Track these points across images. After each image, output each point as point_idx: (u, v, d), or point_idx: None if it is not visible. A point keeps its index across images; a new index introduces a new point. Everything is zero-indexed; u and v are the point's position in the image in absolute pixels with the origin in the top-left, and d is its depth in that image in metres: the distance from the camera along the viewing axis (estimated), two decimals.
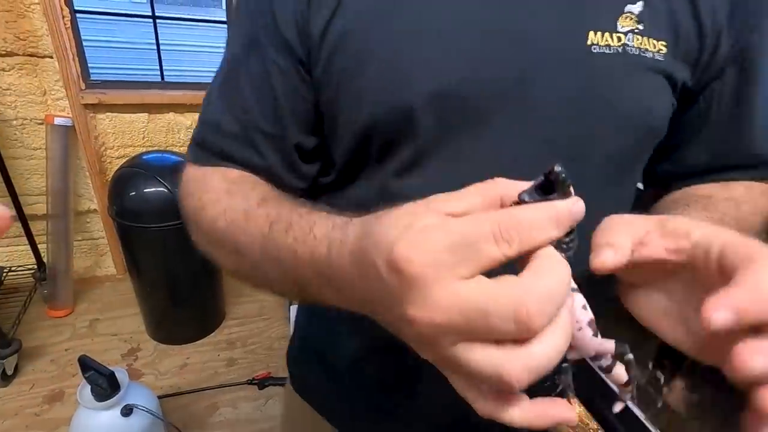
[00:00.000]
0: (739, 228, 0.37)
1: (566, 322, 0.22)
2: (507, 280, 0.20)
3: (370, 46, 0.37)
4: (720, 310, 0.20)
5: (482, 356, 0.20)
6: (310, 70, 0.40)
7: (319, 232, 0.29)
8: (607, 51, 0.37)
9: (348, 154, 0.42)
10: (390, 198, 0.31)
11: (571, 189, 0.22)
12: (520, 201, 0.23)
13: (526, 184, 0.23)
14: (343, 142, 0.42)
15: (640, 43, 0.37)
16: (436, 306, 0.21)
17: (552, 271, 0.21)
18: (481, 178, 0.25)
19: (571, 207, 0.22)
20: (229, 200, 0.38)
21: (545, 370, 0.20)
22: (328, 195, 0.46)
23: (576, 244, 0.23)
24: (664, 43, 0.38)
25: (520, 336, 0.20)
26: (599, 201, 0.29)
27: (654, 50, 0.38)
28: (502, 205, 0.23)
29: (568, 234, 0.23)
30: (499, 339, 0.20)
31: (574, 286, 0.24)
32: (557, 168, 0.22)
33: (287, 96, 0.40)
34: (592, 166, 0.40)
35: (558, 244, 0.22)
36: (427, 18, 0.37)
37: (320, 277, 0.29)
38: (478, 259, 0.21)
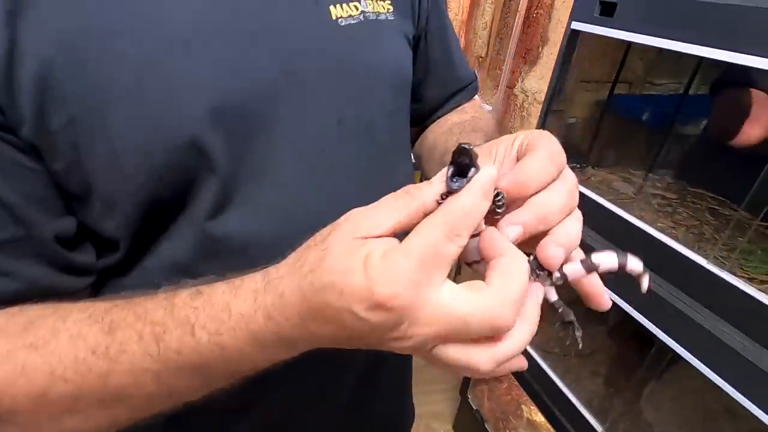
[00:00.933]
0: (490, 133, 0.51)
1: (533, 315, 0.25)
2: (480, 290, 0.23)
3: (98, 81, 0.29)
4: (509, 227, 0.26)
5: (458, 353, 0.24)
6: (16, 134, 0.29)
7: (240, 308, 0.26)
8: (352, 21, 0.41)
9: (134, 221, 0.34)
10: (215, 244, 0.33)
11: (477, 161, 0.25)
12: (449, 192, 0.25)
13: (439, 183, 0.25)
14: (119, 210, 0.33)
15: (373, 8, 0.42)
16: (424, 323, 0.23)
17: (518, 274, 0.24)
18: (301, 182, 0.33)
19: (491, 174, 0.24)
20: (43, 355, 0.26)
21: (510, 358, 0.25)
22: (118, 277, 0.37)
23: (503, 197, 0.26)
24: (389, 2, 0.44)
25: (494, 336, 0.24)
26: (397, 154, 0.45)
27: (384, 11, 0.44)
28: (425, 211, 0.25)
29: (496, 195, 0.26)
30: (474, 339, 0.24)
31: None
32: (465, 146, 0.24)
33: (10, 183, 0.29)
34: (382, 129, 0.44)
35: (492, 209, 0.26)
36: (167, 30, 0.31)
37: (268, 348, 0.26)
38: (443, 263, 0.23)
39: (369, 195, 0.28)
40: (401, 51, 0.47)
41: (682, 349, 0.72)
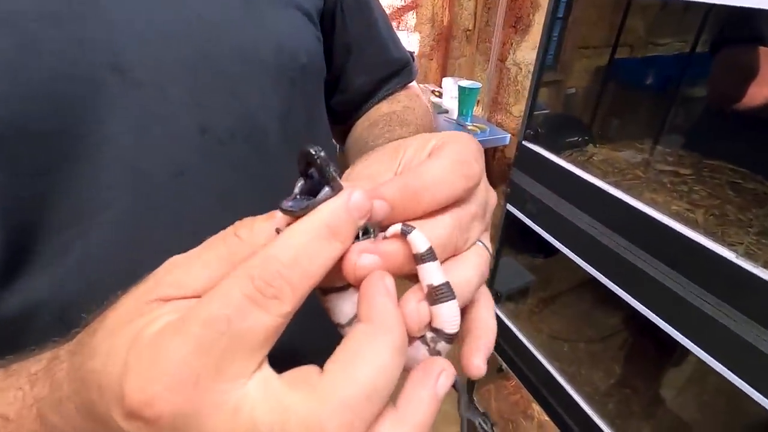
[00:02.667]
0: (426, 129, 0.41)
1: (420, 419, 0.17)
2: (303, 385, 0.15)
3: None
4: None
5: None
6: None
7: (10, 409, 0.20)
8: None
9: None
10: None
11: (335, 174, 0.18)
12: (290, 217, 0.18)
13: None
14: None
15: None
16: None
17: (373, 359, 0.16)
18: (141, 227, 0.25)
19: (346, 202, 0.17)
20: None
21: None
22: None
23: (374, 233, 0.19)
24: None
25: None
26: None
27: None
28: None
29: (365, 233, 0.19)
30: None
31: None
32: (311, 150, 0.17)
33: None
34: (274, 136, 0.35)
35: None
36: None
37: None
38: (245, 343, 0.15)
39: None
40: (294, 28, 0.37)
41: (714, 360, 0.61)
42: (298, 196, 0.18)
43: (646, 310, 0.70)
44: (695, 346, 0.64)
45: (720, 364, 0.60)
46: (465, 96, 1.55)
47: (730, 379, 0.59)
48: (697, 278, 0.63)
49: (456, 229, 0.20)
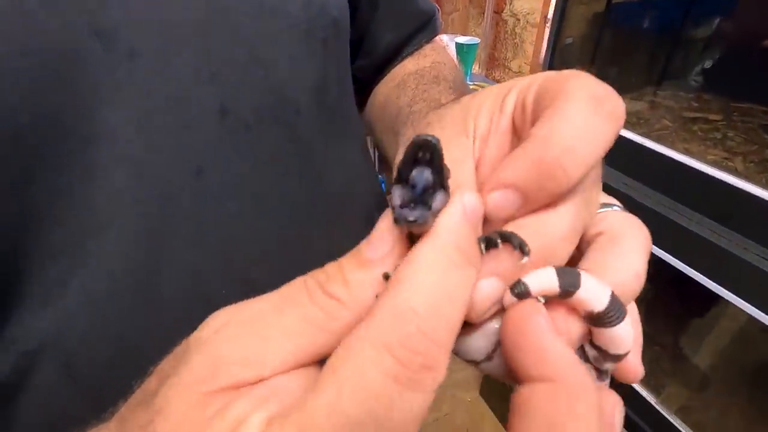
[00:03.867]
0: (458, 85, 0.35)
1: None
2: None
3: None
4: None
5: None
6: None
7: None
8: None
9: None
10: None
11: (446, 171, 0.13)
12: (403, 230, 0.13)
13: (382, 238, 0.14)
14: None
15: None
16: None
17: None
18: (147, 243, 0.20)
19: (464, 211, 0.13)
20: None
21: None
22: None
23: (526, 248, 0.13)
24: None
25: None
26: (336, 159, 0.28)
27: None
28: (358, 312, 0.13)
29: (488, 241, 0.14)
30: None
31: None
32: (430, 139, 0.12)
33: None
34: (307, 115, 0.29)
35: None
36: None
37: None
38: None
39: (288, 247, 0.24)
40: None
41: (761, 312, 0.58)
42: (406, 206, 0.13)
43: (686, 266, 0.66)
44: (738, 299, 0.60)
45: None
46: (463, 53, 1.46)
47: None
48: (744, 229, 0.59)
49: (586, 212, 0.15)
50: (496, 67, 1.65)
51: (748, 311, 0.59)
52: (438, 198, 0.13)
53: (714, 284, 0.63)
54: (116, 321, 0.23)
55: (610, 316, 0.14)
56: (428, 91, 0.35)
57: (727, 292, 0.61)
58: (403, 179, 0.13)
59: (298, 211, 0.29)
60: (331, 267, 0.14)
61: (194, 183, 0.25)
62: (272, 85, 0.27)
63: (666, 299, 0.94)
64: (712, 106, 0.82)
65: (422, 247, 0.12)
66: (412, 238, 0.14)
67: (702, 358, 0.82)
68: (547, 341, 0.12)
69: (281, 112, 0.28)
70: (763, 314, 0.58)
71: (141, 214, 0.23)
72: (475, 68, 1.68)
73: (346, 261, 0.14)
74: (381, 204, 0.39)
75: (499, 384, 1.23)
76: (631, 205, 0.72)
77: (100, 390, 0.23)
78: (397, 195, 0.13)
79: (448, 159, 0.19)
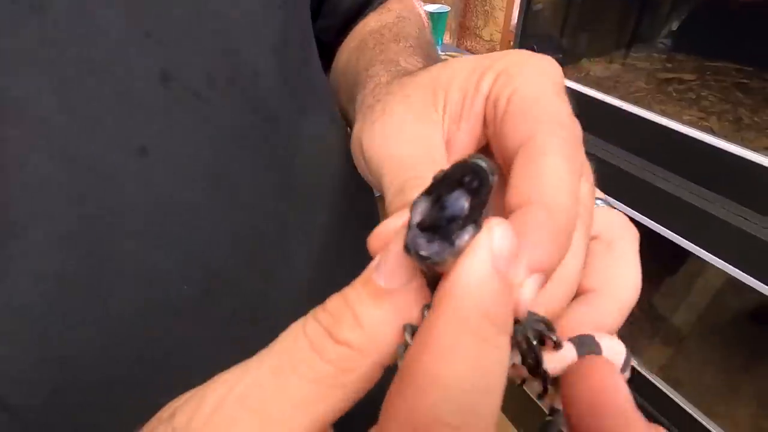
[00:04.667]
0: (422, 43, 0.32)
1: None
2: None
3: None
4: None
5: None
6: None
7: None
8: None
9: None
10: None
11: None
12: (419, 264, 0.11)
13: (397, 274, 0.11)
14: None
15: None
16: None
17: None
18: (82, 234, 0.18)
19: (495, 248, 0.10)
20: None
21: None
22: None
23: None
24: None
25: None
26: (303, 128, 0.26)
27: None
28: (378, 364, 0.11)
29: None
30: None
31: None
32: (482, 163, 0.10)
33: None
34: (268, 80, 0.25)
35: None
36: None
37: None
38: None
39: (259, 236, 0.23)
40: None
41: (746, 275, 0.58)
42: (426, 226, 0.10)
43: (665, 229, 0.66)
44: (714, 257, 0.61)
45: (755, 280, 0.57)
46: (433, 22, 1.42)
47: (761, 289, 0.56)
48: (722, 188, 0.59)
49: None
50: (467, 36, 1.61)
51: (725, 269, 0.59)
52: (466, 236, 0.10)
53: (693, 245, 0.63)
54: (54, 339, 0.19)
55: (624, 365, 0.15)
56: (385, 51, 0.31)
57: (705, 252, 0.62)
58: (434, 194, 0.11)
59: (268, 195, 0.26)
60: (334, 304, 0.11)
61: (138, 165, 0.21)
62: (224, 45, 0.23)
63: (643, 261, 0.95)
64: (685, 66, 0.81)
65: (441, 321, 0.09)
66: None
67: (679, 317, 0.84)
68: (630, 405, 0.11)
69: (237, 76, 0.24)
70: (739, 271, 0.58)
71: (74, 207, 0.19)
72: (446, 38, 1.63)
73: (354, 294, 0.11)
74: (360, 183, 0.35)
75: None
76: (610, 170, 0.71)
77: (45, 424, 0.20)
78: (420, 210, 0.11)
79: (415, 135, 0.16)
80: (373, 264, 0.11)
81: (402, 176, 0.15)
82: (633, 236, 0.17)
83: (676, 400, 0.74)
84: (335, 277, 0.28)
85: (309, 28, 0.31)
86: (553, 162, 0.13)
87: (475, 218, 0.10)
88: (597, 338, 0.14)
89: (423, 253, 0.10)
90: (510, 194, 0.13)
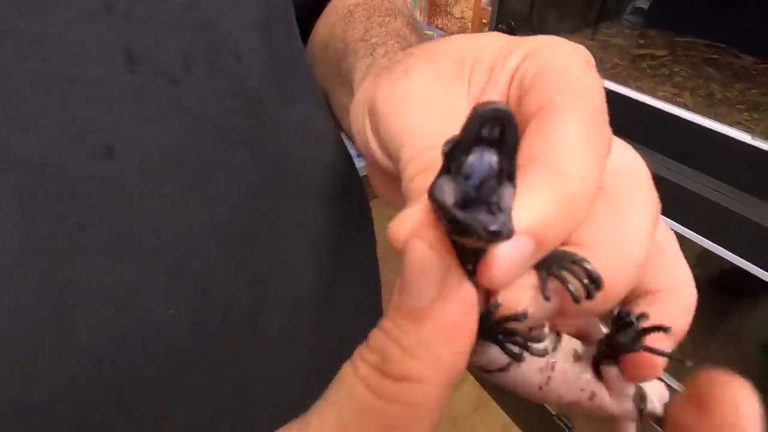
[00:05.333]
0: (416, 24, 0.30)
1: None
2: None
3: None
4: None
5: None
6: None
7: None
8: None
9: None
10: None
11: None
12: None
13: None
14: None
15: None
16: None
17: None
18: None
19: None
20: None
21: None
22: None
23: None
24: None
25: None
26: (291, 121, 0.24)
27: None
28: None
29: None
30: None
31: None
32: (497, 107, 0.09)
33: None
34: (252, 55, 0.22)
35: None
36: None
37: None
38: None
39: (248, 240, 0.20)
40: None
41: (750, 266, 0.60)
42: (460, 203, 0.09)
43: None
44: (690, 232, 0.62)
45: (752, 265, 0.59)
46: None
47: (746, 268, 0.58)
48: (697, 163, 0.60)
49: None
50: (438, 13, 1.57)
51: (699, 242, 0.61)
52: (506, 195, 0.09)
53: (668, 219, 0.64)
54: (10, 386, 0.17)
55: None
56: (385, 24, 0.29)
57: (680, 225, 0.63)
58: (451, 167, 0.09)
59: (256, 193, 0.23)
60: (377, 341, 0.10)
61: (104, 169, 0.18)
62: (200, 20, 0.20)
63: None
64: (657, 42, 0.82)
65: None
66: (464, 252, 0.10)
67: None
68: None
69: (217, 57, 0.21)
70: (713, 244, 0.60)
71: (28, 224, 0.16)
72: (417, 15, 1.60)
73: (391, 325, 0.10)
74: (354, 177, 0.33)
75: None
76: None
77: None
78: (448, 191, 0.09)
79: (441, 105, 0.15)
80: (398, 285, 0.10)
81: (427, 153, 0.14)
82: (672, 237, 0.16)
83: None
84: (336, 286, 0.25)
85: (290, 2, 0.28)
86: (568, 123, 0.12)
87: (510, 172, 0.09)
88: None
89: (493, 227, 0.08)
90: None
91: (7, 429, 0.16)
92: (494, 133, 0.09)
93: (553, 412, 1.05)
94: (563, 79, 0.13)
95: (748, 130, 0.57)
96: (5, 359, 0.16)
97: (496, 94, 0.15)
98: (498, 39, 0.16)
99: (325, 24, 0.34)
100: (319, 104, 0.30)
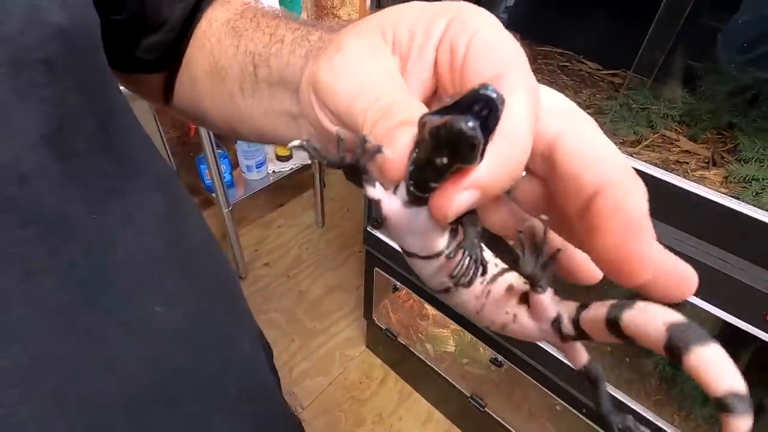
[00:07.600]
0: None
1: None
2: None
3: None
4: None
5: None
6: None
7: None
8: None
9: None
10: None
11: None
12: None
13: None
14: None
15: None
16: None
17: None
18: None
19: None
20: None
21: None
22: None
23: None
24: None
25: None
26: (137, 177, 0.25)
27: None
28: None
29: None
30: None
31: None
32: (492, 95, 0.11)
33: None
34: (45, 174, 0.19)
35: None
36: None
37: None
38: None
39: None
40: None
41: None
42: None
43: None
44: None
45: None
46: (287, 2, 1.34)
47: None
48: None
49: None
50: (324, 16, 1.56)
51: None
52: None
53: None
54: None
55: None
56: (283, 26, 0.27)
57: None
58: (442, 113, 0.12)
59: (67, 317, 0.20)
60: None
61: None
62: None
63: None
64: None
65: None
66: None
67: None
68: None
69: None
70: None
71: None
72: (303, 17, 1.57)
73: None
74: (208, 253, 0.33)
75: (382, 337, 1.29)
76: None
77: None
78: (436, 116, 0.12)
79: (377, 64, 0.18)
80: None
81: (379, 100, 0.16)
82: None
83: None
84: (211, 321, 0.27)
85: (105, 82, 0.24)
86: (521, 99, 0.15)
87: (484, 147, 0.12)
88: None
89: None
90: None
91: None
92: (483, 113, 0.11)
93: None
94: (504, 52, 0.16)
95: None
96: None
97: (422, 64, 0.18)
98: (416, 6, 0.18)
99: (203, 53, 0.31)
100: (159, 181, 0.28)
